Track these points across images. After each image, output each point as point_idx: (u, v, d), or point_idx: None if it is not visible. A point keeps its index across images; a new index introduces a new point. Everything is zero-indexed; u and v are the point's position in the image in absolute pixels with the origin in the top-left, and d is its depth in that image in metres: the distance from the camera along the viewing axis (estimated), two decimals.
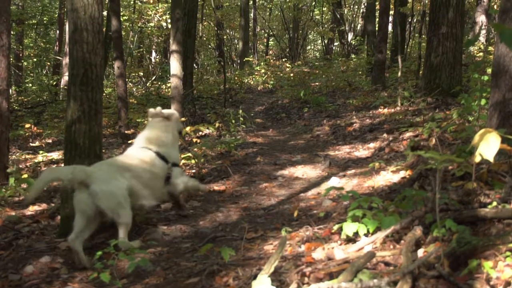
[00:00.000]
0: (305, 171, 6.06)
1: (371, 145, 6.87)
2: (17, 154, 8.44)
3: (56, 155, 8.00)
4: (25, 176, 5.70)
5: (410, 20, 16.15)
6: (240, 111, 8.65)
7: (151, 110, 4.74)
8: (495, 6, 16.08)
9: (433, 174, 3.71)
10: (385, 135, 7.07)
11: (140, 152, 4.37)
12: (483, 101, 5.29)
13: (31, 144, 9.53)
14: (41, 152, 7.84)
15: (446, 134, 5.53)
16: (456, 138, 5.31)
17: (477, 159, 2.30)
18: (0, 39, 5.98)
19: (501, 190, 3.19)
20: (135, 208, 4.05)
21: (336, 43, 25.51)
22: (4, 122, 6.12)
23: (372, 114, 9.03)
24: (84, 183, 3.68)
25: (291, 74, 17.01)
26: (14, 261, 3.65)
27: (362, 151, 6.74)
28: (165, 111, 4.76)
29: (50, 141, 10.11)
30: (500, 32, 1.84)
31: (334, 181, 5.30)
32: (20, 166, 7.11)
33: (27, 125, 9.52)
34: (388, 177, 4.95)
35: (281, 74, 17.51)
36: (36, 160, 7.65)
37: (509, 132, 3.33)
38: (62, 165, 4.37)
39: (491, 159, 2.16)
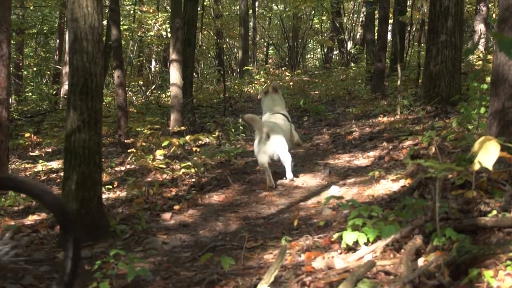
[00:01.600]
0: (305, 180, 6.05)
1: (371, 153, 6.87)
2: (17, 163, 8.44)
3: (55, 164, 7.99)
4: None
5: (409, 28, 16.20)
6: (240, 120, 8.66)
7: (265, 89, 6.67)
8: (493, 15, 16.14)
9: (433, 182, 3.70)
10: (384, 143, 7.06)
11: (277, 115, 6.22)
12: (482, 110, 5.30)
13: (30, 153, 9.52)
14: (40, 161, 7.84)
15: (445, 143, 5.53)
16: (455, 147, 5.31)
17: (476, 167, 2.30)
18: (0, 48, 6.00)
19: (501, 199, 3.19)
20: None
21: (335, 52, 25.59)
22: (4, 131, 6.12)
23: (371, 123, 9.04)
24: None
25: (291, 83, 17.03)
26: (13, 271, 3.63)
27: (361, 160, 6.74)
28: (273, 85, 6.66)
29: (49, 150, 10.11)
30: (499, 41, 1.85)
31: (334, 190, 5.29)
32: (20, 175, 7.10)
33: (27, 134, 9.52)
34: (388, 185, 4.95)
35: (281, 83, 17.54)
36: (35, 169, 7.65)
37: (509, 141, 3.33)
38: (62, 175, 4.38)
39: (490, 167, 2.16)
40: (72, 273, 2.73)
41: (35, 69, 23.14)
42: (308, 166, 6.73)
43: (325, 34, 25.27)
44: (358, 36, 23.58)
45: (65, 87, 14.86)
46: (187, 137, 6.61)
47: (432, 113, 8.08)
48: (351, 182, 5.60)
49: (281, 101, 6.63)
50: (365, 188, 5.11)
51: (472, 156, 2.33)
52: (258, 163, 5.97)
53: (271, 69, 20.25)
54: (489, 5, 15.38)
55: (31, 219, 5.01)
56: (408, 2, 17.44)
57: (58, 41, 20.25)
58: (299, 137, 6.66)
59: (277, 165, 6.74)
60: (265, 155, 5.78)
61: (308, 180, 6.04)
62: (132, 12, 19.22)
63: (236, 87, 16.89)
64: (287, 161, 5.86)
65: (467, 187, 3.50)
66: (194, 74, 17.18)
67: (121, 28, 12.33)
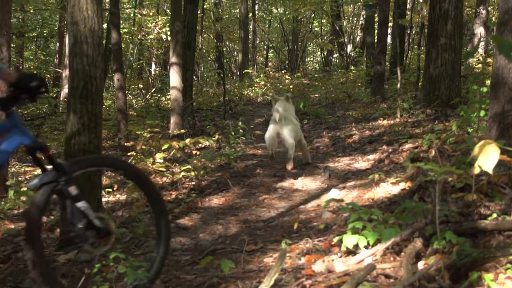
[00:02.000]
0: (305, 183, 6.05)
1: (371, 156, 6.87)
2: (17, 166, 8.43)
3: None
4: (25, 189, 5.68)
5: (409, 32, 16.21)
6: (240, 123, 8.64)
7: (276, 96, 7.17)
8: (493, 18, 16.16)
9: (433, 185, 3.70)
10: (384, 146, 7.07)
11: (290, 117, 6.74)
12: (482, 113, 5.30)
13: (30, 157, 9.51)
14: None
15: (445, 146, 5.53)
16: (455, 150, 5.31)
17: (476, 170, 2.30)
18: (0, 51, 6.00)
19: (501, 202, 3.19)
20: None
21: (335, 55, 25.60)
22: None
23: (371, 126, 9.04)
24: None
25: (291, 86, 17.04)
26: (13, 275, 3.63)
27: (361, 163, 6.74)
28: (285, 96, 7.19)
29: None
30: (498, 44, 1.85)
31: (334, 193, 5.29)
32: (20, 178, 7.09)
33: None
34: (388, 189, 4.94)
35: (281, 86, 17.54)
36: (35, 173, 7.63)
37: (509, 144, 3.34)
38: None
39: (490, 171, 2.16)
40: (167, 231, 3.22)
41: (35, 72, 23.14)
42: (308, 169, 6.73)
43: (325, 37, 25.29)
44: (358, 39, 23.63)
45: (65, 90, 14.85)
46: (187, 140, 6.60)
47: (432, 116, 8.09)
48: (351, 185, 5.60)
49: (291, 108, 7.11)
50: (365, 191, 5.10)
51: (472, 159, 2.33)
52: (266, 136, 6.63)
53: (271, 72, 20.26)
54: (489, 8, 15.40)
55: None
56: (408, 5, 17.46)
57: (58, 44, 20.27)
58: (306, 144, 7.22)
59: (277, 168, 6.76)
60: (275, 132, 6.51)
61: (308, 183, 6.04)
62: (132, 15, 19.25)
63: (236, 90, 16.88)
64: (290, 147, 6.44)
65: (467, 190, 3.50)
66: (194, 77, 17.17)
67: (121, 31, 12.34)
